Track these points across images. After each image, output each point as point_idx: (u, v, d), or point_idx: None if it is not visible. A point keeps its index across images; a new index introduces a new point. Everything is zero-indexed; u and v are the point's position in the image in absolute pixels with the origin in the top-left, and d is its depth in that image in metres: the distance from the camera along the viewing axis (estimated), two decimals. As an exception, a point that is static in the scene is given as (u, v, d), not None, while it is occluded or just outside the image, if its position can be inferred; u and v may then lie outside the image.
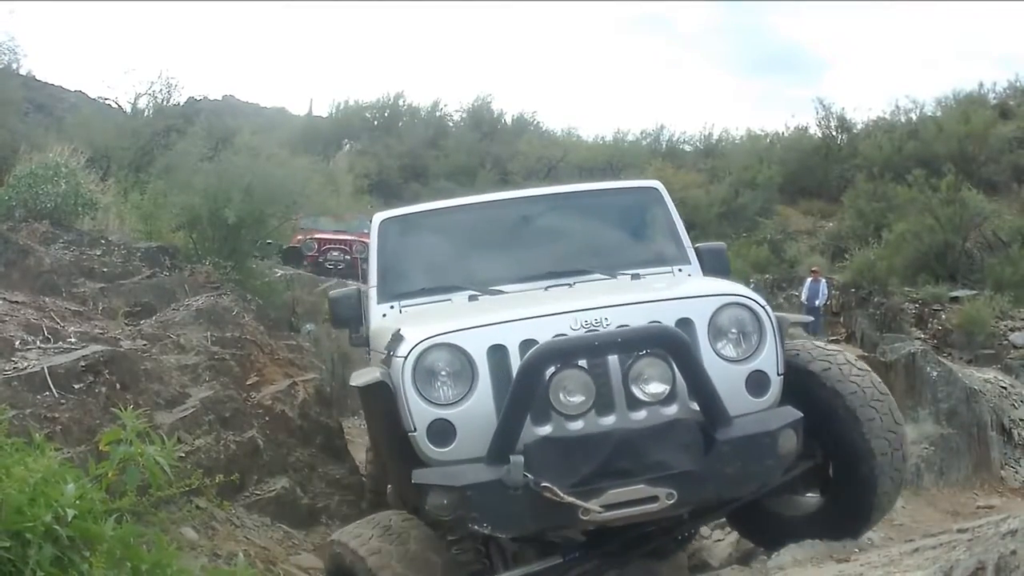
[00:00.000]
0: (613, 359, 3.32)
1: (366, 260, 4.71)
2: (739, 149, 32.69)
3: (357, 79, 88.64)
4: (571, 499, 3.09)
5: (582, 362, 3.28)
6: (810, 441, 3.53)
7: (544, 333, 3.33)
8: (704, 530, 5.25)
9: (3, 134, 16.11)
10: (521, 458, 3.13)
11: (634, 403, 3.33)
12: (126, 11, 75.83)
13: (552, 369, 3.23)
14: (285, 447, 6.04)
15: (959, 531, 3.15)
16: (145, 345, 6.01)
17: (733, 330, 3.48)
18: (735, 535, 5.07)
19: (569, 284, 4.18)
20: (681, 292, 3.79)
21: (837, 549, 3.60)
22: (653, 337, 3.31)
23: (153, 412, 5.06)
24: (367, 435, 6.03)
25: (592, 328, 3.36)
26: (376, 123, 35.31)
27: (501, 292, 4.14)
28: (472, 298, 4.10)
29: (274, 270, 11.60)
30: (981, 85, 30.60)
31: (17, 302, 6.07)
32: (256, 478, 5.69)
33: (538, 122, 36.80)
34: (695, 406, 3.30)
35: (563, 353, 3.25)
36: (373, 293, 4.43)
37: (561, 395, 3.26)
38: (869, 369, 3.83)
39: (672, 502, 3.17)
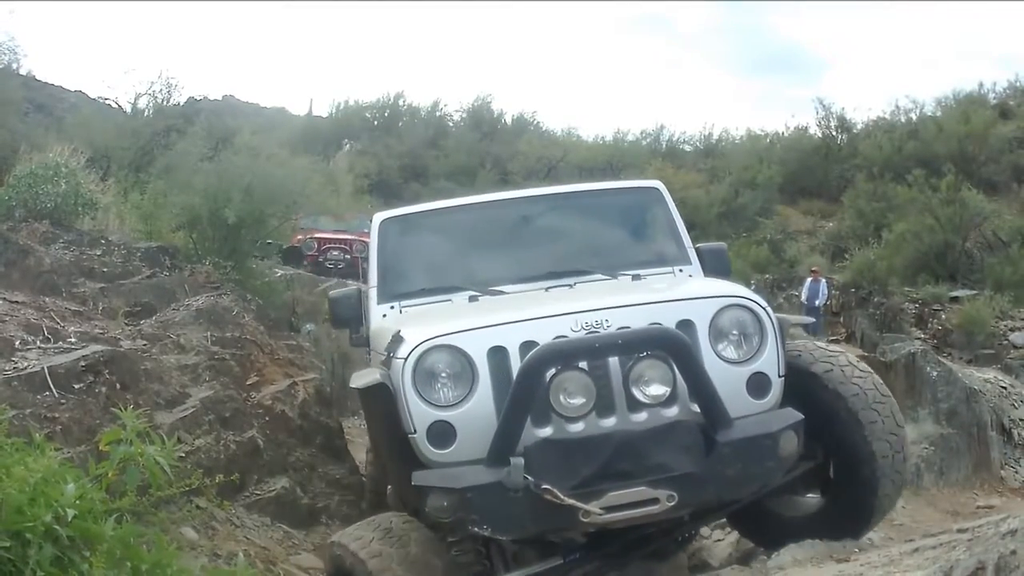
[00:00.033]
0: (614, 361, 3.32)
1: (366, 260, 4.71)
2: (739, 149, 32.68)
3: (357, 79, 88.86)
4: (571, 501, 3.08)
5: (583, 364, 3.28)
6: (811, 442, 3.52)
7: (544, 335, 3.32)
8: (704, 530, 5.24)
9: (3, 134, 16.11)
10: (521, 460, 3.12)
11: (635, 405, 3.32)
12: (126, 11, 75.94)
13: (552, 371, 3.23)
14: (285, 447, 6.04)
15: (959, 531, 3.15)
16: (145, 345, 6.01)
17: (734, 332, 3.47)
18: (735, 535, 5.07)
19: (570, 285, 4.17)
20: (682, 293, 3.78)
21: (837, 549, 3.60)
22: (654, 339, 3.30)
23: (153, 412, 5.06)
24: (367, 435, 6.03)
25: (593, 330, 3.36)
26: (376, 123, 35.31)
27: (501, 293, 4.14)
28: (472, 299, 4.10)
29: (274, 270, 11.61)
30: (981, 85, 30.68)
31: (17, 302, 6.06)
32: (256, 478, 5.69)
33: (538, 122, 36.91)
34: (696, 408, 3.30)
35: (563, 355, 3.25)
36: (373, 293, 4.42)
37: (561, 397, 3.26)
38: (871, 371, 3.82)
39: (673, 504, 3.17)
